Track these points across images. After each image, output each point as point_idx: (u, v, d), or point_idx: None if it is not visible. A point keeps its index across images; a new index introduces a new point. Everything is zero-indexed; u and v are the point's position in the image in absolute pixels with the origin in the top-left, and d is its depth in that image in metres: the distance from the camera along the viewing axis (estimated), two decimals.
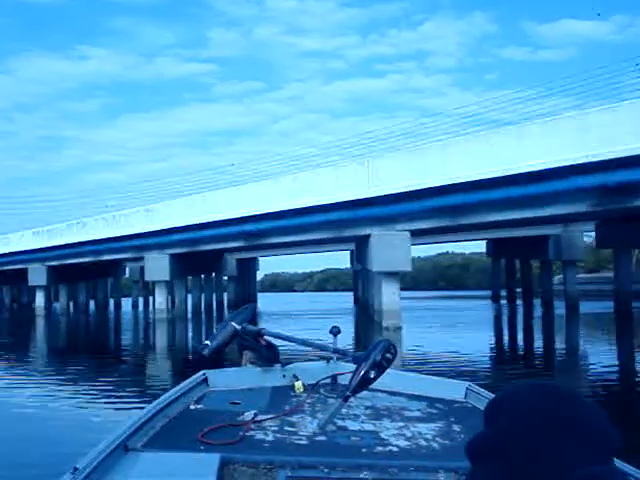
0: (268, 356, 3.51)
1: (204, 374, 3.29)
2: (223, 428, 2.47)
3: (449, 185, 23.88)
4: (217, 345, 3.49)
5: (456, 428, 2.82)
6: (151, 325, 33.81)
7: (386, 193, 26.29)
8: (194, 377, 3.21)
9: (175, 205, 36.83)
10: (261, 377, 3.43)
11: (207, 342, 3.49)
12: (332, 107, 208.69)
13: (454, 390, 3.44)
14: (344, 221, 28.11)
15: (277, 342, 3.57)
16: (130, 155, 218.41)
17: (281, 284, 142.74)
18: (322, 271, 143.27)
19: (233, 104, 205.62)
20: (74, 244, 42.57)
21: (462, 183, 23.56)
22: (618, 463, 1.73)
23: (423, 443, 2.54)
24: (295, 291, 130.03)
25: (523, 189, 22.68)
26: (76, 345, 23.85)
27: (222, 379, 3.31)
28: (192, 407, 2.83)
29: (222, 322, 3.63)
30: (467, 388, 3.42)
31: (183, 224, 34.51)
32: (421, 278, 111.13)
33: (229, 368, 3.63)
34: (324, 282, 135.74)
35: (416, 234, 28.28)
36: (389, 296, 27.48)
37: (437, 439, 2.61)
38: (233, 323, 3.54)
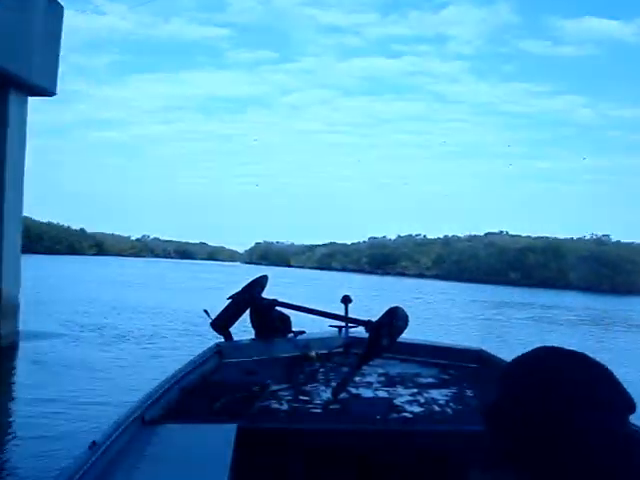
0: (281, 326, 3.54)
1: (218, 346, 3.31)
2: (238, 399, 2.50)
3: None
4: (229, 317, 3.52)
5: (469, 393, 2.83)
6: None
7: None
8: (208, 349, 3.23)
9: None
10: (274, 347, 3.46)
11: (220, 314, 3.52)
12: (345, 84, 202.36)
13: (467, 356, 3.45)
14: None
15: (290, 312, 3.59)
16: (135, 115, 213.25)
17: (274, 256, 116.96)
18: (326, 245, 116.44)
19: (245, 72, 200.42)
20: None
21: None
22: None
23: (437, 409, 2.55)
24: (291, 266, 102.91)
25: None
26: None
27: (235, 351, 3.34)
28: (207, 379, 2.86)
29: (234, 294, 3.66)
30: (479, 354, 3.43)
31: None
32: (468, 265, 79.15)
33: (242, 339, 3.67)
34: (328, 257, 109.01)
35: None
36: None
37: (451, 404, 2.62)
38: (245, 295, 3.56)
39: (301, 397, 2.62)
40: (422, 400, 2.66)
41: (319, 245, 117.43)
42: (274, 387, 2.69)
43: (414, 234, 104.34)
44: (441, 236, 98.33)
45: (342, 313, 3.50)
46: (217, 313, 3.52)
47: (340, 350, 3.41)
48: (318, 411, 2.45)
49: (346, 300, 3.48)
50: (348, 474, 2.29)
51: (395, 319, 2.77)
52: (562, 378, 0.81)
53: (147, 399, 2.26)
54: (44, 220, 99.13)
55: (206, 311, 3.54)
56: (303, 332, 3.60)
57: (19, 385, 8.86)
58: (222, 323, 3.49)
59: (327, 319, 3.58)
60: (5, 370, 9.42)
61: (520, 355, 0.89)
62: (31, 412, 6.75)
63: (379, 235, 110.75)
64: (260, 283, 3.70)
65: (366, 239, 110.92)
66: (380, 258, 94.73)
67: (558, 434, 0.77)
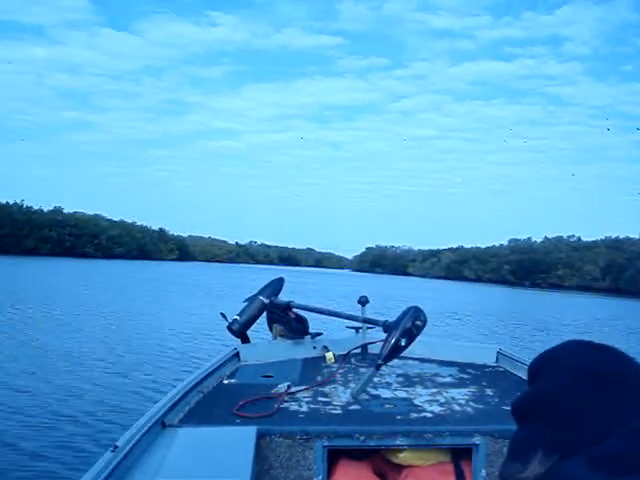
0: (298, 328, 3.53)
1: (235, 349, 3.34)
2: (257, 401, 2.52)
3: None
4: (246, 320, 3.55)
5: (489, 392, 2.81)
6: None
7: None
8: (226, 352, 3.26)
9: None
10: (292, 349, 3.47)
11: (237, 317, 3.58)
12: (456, 89, 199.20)
13: (485, 355, 3.43)
14: None
15: (306, 314, 3.57)
16: (250, 124, 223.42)
17: (388, 263, 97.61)
18: (453, 249, 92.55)
19: (356, 79, 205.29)
20: None
21: None
22: None
23: (457, 408, 2.54)
24: (409, 274, 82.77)
25: None
26: None
27: (253, 353, 3.35)
28: (225, 382, 2.89)
29: (251, 296, 3.70)
30: (498, 352, 3.40)
31: None
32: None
33: (260, 342, 3.70)
34: (458, 265, 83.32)
35: None
36: None
37: (471, 404, 2.61)
38: (261, 297, 3.60)
39: (320, 398, 2.63)
40: (442, 400, 2.65)
41: (444, 249, 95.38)
42: (293, 389, 2.69)
43: (565, 235, 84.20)
44: (602, 237, 79.15)
45: (360, 314, 3.42)
46: (233, 316, 3.59)
47: (358, 351, 3.36)
48: (338, 412, 2.45)
49: (363, 301, 3.41)
50: (369, 475, 2.28)
51: (413, 319, 2.74)
52: (593, 372, 0.79)
53: (167, 403, 2.30)
54: (116, 218, 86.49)
55: (223, 314, 3.61)
56: (320, 334, 3.57)
57: None
58: (239, 326, 3.54)
59: (344, 320, 3.53)
60: None
61: (549, 349, 0.87)
62: None
63: (521, 237, 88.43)
64: (276, 285, 3.73)
65: (505, 242, 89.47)
66: (527, 265, 74.96)
67: (588, 428, 0.76)
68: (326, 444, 2.16)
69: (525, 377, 2.94)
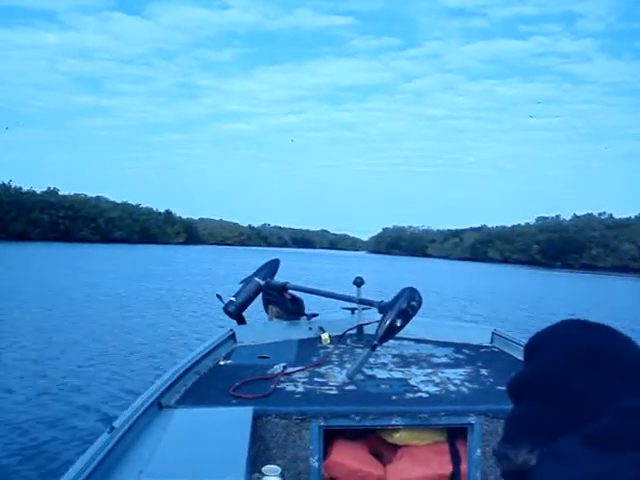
0: (293, 309, 3.53)
1: (231, 330, 3.34)
2: (253, 382, 2.52)
3: None
4: (242, 301, 3.55)
5: (484, 372, 2.80)
6: None
7: None
8: (222, 333, 3.26)
9: None
10: (288, 330, 3.47)
11: (232, 299, 3.58)
12: (469, 68, 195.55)
13: (480, 335, 3.41)
14: None
15: (302, 295, 3.56)
16: (262, 107, 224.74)
17: (406, 244, 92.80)
18: (476, 229, 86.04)
19: (368, 60, 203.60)
20: None
21: None
22: None
23: (452, 388, 2.54)
24: (429, 256, 78.79)
25: None
26: None
27: (249, 334, 3.35)
28: (222, 363, 2.89)
29: (246, 278, 3.69)
30: (493, 333, 3.38)
31: None
32: None
33: (256, 323, 3.70)
34: (482, 245, 77.44)
35: None
36: None
37: (466, 384, 2.61)
38: (257, 278, 3.59)
39: (316, 379, 2.63)
40: (437, 380, 2.65)
41: (466, 229, 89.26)
42: (289, 370, 2.70)
43: (596, 213, 78.74)
44: (636, 214, 73.40)
45: (355, 295, 3.39)
46: (229, 298, 3.59)
47: (353, 332, 3.34)
48: (334, 392, 2.45)
49: (358, 282, 3.37)
50: (365, 454, 2.29)
51: (408, 300, 2.74)
52: (587, 351, 0.80)
53: (163, 384, 2.30)
54: (119, 200, 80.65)
55: (219, 295, 3.61)
56: (316, 315, 3.56)
57: None
58: (235, 308, 3.54)
59: (340, 301, 3.51)
60: None
61: (545, 328, 0.87)
62: None
63: (549, 215, 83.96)
64: (272, 267, 3.72)
65: (532, 220, 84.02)
66: (557, 245, 69.00)
67: (583, 406, 0.77)
68: (322, 424, 2.17)
69: (520, 357, 2.91)
